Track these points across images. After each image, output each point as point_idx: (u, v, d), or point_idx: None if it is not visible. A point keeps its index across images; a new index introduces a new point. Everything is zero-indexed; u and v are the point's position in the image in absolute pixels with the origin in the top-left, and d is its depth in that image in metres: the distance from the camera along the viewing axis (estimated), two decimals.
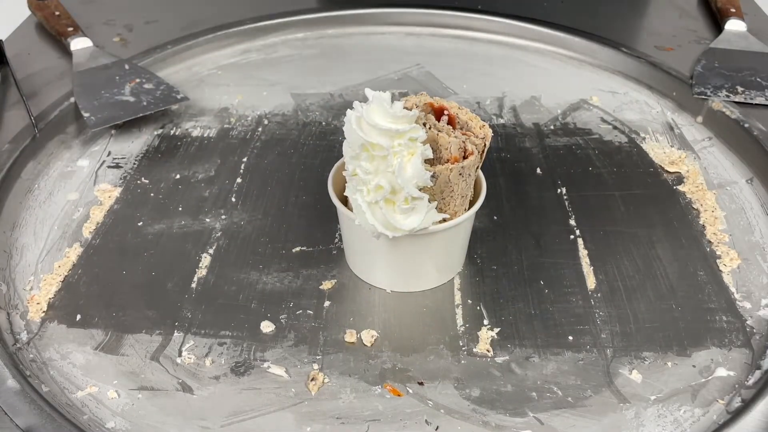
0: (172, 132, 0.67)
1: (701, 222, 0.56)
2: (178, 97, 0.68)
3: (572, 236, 0.55)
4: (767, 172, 0.60)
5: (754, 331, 0.48)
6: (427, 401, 0.43)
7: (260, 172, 0.62)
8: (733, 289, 0.50)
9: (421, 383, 0.44)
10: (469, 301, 0.50)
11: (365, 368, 0.45)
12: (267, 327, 0.48)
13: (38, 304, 0.49)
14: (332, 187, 0.48)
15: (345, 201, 0.48)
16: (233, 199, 0.59)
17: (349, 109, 0.43)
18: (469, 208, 0.47)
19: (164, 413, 0.42)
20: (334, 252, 0.53)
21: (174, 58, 0.77)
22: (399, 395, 0.43)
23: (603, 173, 0.62)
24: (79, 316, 0.48)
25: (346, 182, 0.46)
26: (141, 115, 0.66)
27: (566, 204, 0.58)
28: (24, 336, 0.47)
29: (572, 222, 0.56)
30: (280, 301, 0.50)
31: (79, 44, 0.74)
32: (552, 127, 0.68)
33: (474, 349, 0.46)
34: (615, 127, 0.68)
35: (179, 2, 0.89)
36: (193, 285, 0.51)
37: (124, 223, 0.56)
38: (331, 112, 0.70)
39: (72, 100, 0.66)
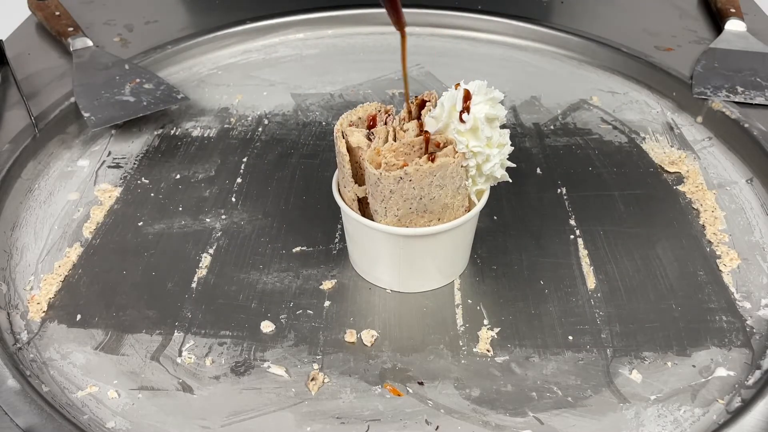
0: (172, 132, 0.67)
1: (701, 222, 0.56)
2: (178, 97, 0.68)
3: (572, 236, 0.55)
4: (767, 172, 0.60)
5: (754, 331, 0.48)
6: (427, 401, 0.43)
7: (260, 172, 0.62)
8: (733, 289, 0.51)
9: (421, 383, 0.44)
10: (469, 301, 0.50)
11: (365, 368, 0.45)
12: (267, 327, 0.48)
13: (38, 304, 0.49)
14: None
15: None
16: (233, 199, 0.59)
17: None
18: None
19: (164, 413, 0.42)
20: (334, 252, 0.53)
21: (174, 58, 0.77)
22: (399, 395, 0.43)
23: (603, 173, 0.62)
24: (79, 316, 0.48)
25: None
26: (141, 115, 0.66)
27: (566, 204, 0.58)
28: (24, 336, 0.47)
29: (572, 222, 0.57)
30: (280, 301, 0.50)
31: (79, 44, 0.74)
32: (552, 127, 0.68)
33: (474, 349, 0.46)
34: (615, 127, 0.68)
35: (179, 2, 0.89)
36: (193, 285, 0.51)
37: (124, 223, 0.56)
38: (331, 112, 0.70)
39: (72, 100, 0.67)
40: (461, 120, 0.43)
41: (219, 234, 0.55)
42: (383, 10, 0.43)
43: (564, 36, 0.80)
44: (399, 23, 0.43)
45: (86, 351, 0.46)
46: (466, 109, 0.43)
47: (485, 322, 0.48)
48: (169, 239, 0.55)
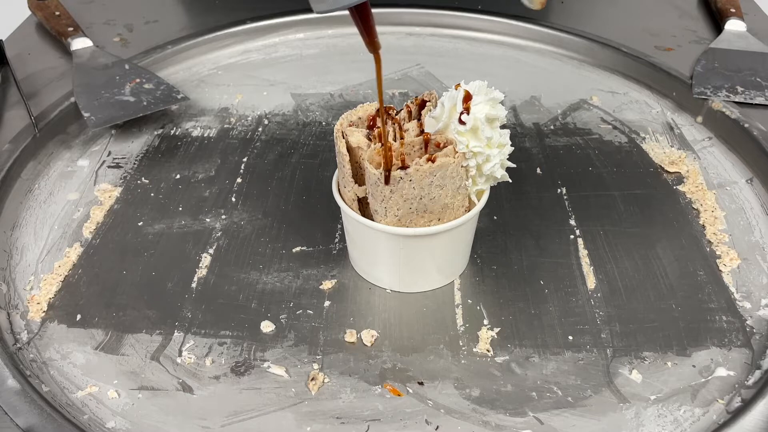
0: (172, 132, 0.67)
1: (701, 222, 0.56)
2: (178, 97, 0.68)
3: (572, 236, 0.55)
4: (767, 172, 0.60)
5: (754, 331, 0.48)
6: (427, 401, 0.43)
7: (260, 172, 0.62)
8: (733, 289, 0.51)
9: (421, 383, 0.44)
10: (469, 301, 0.50)
11: (365, 368, 0.45)
12: (267, 327, 0.48)
13: (38, 304, 0.49)
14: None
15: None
16: (233, 199, 0.59)
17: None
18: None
19: (164, 413, 0.42)
20: (334, 252, 0.53)
21: (174, 58, 0.77)
22: (399, 395, 0.43)
23: (603, 173, 0.62)
24: (79, 316, 0.48)
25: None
26: (141, 115, 0.66)
27: (566, 204, 0.58)
28: (24, 336, 0.47)
29: (572, 222, 0.57)
30: (280, 301, 0.50)
31: (79, 44, 0.74)
32: (552, 127, 0.68)
33: (474, 349, 0.46)
34: (615, 127, 0.68)
35: (179, 2, 0.89)
36: (193, 285, 0.51)
37: (124, 223, 0.56)
38: (331, 112, 0.70)
39: (72, 100, 0.67)
40: (461, 122, 0.43)
41: (219, 234, 0.55)
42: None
43: (564, 36, 0.80)
44: (372, 45, 0.41)
45: (86, 351, 0.46)
46: (466, 110, 0.43)
47: (485, 322, 0.48)
48: (169, 239, 0.55)
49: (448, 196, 0.45)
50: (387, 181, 0.43)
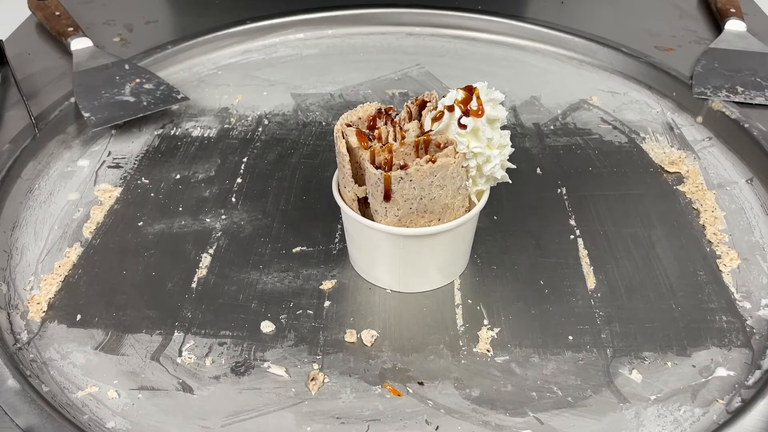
0: (172, 132, 0.67)
1: (701, 222, 0.56)
2: (178, 97, 0.68)
3: (572, 236, 0.55)
4: (767, 172, 0.60)
5: (754, 331, 0.48)
6: (427, 401, 0.43)
7: (260, 172, 0.62)
8: (733, 289, 0.51)
9: (421, 383, 0.44)
10: (469, 301, 0.50)
11: (365, 368, 0.45)
12: (267, 327, 0.48)
13: (38, 304, 0.49)
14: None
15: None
16: (233, 199, 0.59)
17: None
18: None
19: (164, 413, 0.42)
20: (334, 252, 0.53)
21: (174, 58, 0.77)
22: (399, 395, 0.43)
23: (603, 173, 0.62)
24: (79, 316, 0.48)
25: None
26: (141, 115, 0.66)
27: (566, 204, 0.58)
28: (24, 336, 0.47)
29: (572, 222, 0.57)
30: (280, 301, 0.50)
31: (79, 44, 0.74)
32: (552, 127, 0.68)
33: (474, 349, 0.46)
34: (615, 127, 0.68)
35: (179, 2, 0.89)
36: (193, 285, 0.51)
37: (124, 223, 0.56)
38: (331, 112, 0.70)
39: (72, 100, 0.67)
40: (461, 125, 0.43)
41: (219, 234, 0.55)
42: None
43: (564, 36, 0.80)
44: None
45: (86, 351, 0.46)
46: (465, 113, 0.43)
47: (485, 322, 0.48)
48: (169, 239, 0.55)
49: (449, 197, 0.45)
50: (387, 197, 0.43)
